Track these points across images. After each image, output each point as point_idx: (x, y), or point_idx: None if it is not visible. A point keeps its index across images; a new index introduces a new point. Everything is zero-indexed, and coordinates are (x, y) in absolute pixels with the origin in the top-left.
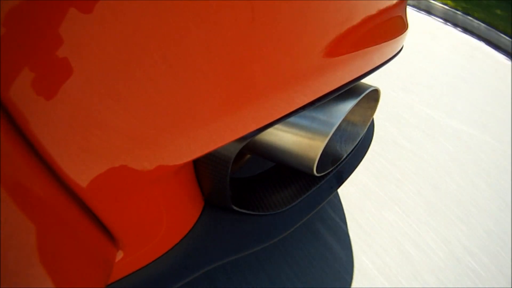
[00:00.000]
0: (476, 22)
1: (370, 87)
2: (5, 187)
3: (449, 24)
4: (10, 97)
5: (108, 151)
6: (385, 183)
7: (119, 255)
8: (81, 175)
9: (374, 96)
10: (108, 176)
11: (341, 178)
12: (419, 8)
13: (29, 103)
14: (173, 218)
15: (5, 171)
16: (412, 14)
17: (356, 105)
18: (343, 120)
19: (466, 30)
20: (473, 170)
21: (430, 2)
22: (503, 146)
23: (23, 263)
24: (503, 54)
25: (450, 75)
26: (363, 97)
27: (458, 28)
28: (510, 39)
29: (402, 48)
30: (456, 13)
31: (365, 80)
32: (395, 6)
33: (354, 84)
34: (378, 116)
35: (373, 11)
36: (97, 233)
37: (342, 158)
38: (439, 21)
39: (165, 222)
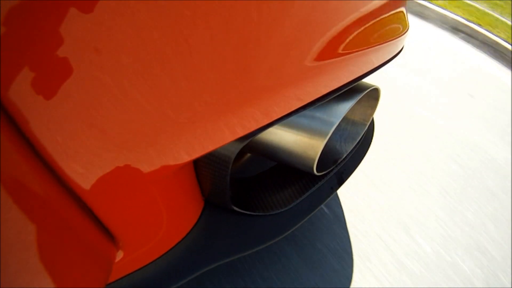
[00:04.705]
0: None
1: (370, 86)
2: (5, 187)
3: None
4: (10, 97)
5: (108, 151)
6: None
7: (119, 254)
8: (81, 175)
9: (374, 95)
10: (108, 176)
11: (342, 178)
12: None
13: (29, 103)
14: (173, 218)
15: (5, 171)
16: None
17: (356, 104)
18: (343, 119)
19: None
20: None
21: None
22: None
23: (23, 263)
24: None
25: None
26: (363, 96)
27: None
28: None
29: (402, 48)
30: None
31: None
32: (395, 6)
33: (354, 84)
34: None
35: (373, 11)
36: (97, 233)
37: (342, 158)
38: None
39: (165, 222)
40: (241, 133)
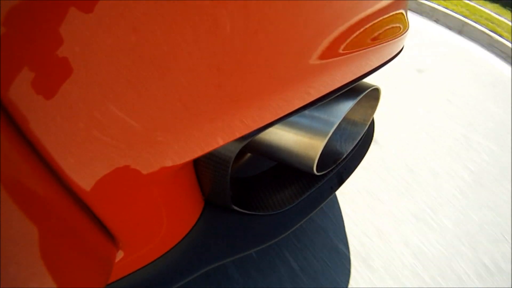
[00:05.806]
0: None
1: (370, 86)
2: (5, 187)
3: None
4: (10, 97)
5: (109, 151)
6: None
7: (119, 255)
8: (81, 175)
9: (374, 95)
10: (109, 176)
11: (342, 178)
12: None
13: (29, 103)
14: (174, 218)
15: (5, 171)
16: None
17: (357, 104)
18: (343, 119)
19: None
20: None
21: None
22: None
23: (24, 263)
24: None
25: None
26: (364, 96)
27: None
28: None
29: (402, 48)
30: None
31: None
32: (395, 6)
33: (354, 84)
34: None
35: (373, 12)
36: (97, 233)
37: (343, 157)
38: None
39: (165, 222)
40: (242, 132)
